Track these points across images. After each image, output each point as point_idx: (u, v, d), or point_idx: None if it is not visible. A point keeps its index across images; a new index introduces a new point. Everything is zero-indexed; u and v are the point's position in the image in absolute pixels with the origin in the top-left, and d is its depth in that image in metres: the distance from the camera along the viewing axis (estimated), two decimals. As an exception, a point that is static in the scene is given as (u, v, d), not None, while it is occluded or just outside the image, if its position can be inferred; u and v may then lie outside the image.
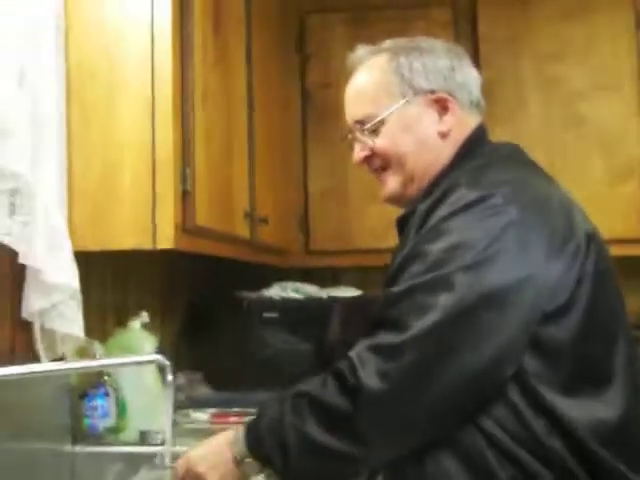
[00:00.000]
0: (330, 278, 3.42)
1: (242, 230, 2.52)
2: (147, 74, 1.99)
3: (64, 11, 1.98)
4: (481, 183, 1.45)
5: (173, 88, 1.99)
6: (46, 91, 1.90)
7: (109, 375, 2.20)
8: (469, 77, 1.66)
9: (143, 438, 2.18)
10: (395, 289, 1.42)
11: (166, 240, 1.97)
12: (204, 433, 1.92)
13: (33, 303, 1.91)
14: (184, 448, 1.60)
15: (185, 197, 2.04)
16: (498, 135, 1.71)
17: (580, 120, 3.20)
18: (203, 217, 2.14)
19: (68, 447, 2.14)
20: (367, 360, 1.37)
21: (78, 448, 2.15)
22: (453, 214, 1.41)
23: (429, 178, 1.60)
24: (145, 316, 2.38)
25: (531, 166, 1.60)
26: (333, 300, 3.09)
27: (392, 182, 1.65)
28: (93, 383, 2.18)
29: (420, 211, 1.50)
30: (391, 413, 1.37)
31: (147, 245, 1.98)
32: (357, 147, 1.68)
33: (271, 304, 3.05)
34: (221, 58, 2.36)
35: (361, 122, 1.65)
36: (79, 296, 1.96)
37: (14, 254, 1.84)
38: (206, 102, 2.19)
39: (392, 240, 1.62)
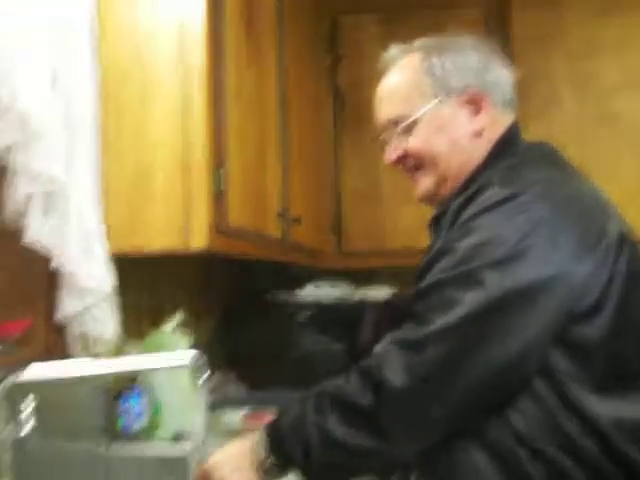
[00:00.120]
0: (363, 279, 3.40)
1: (275, 230, 2.51)
2: (180, 75, 1.99)
3: (97, 13, 1.99)
4: (514, 182, 1.44)
5: (206, 89, 1.99)
6: (79, 93, 1.91)
7: (143, 375, 2.20)
8: (501, 75, 1.64)
9: (177, 438, 2.18)
10: (423, 284, 1.42)
11: (200, 241, 1.97)
12: (237, 433, 1.91)
13: (67, 306, 1.93)
14: (216, 449, 1.59)
15: (219, 198, 2.03)
16: (531, 133, 1.69)
17: (613, 117, 3.17)
18: (236, 218, 2.14)
19: (103, 448, 2.15)
20: (390, 354, 1.37)
21: (113, 449, 2.15)
22: (483, 211, 1.41)
23: (463, 177, 1.59)
24: (180, 316, 2.38)
25: (565, 166, 1.58)
26: (365, 301, 3.09)
27: (425, 182, 1.65)
28: (127, 384, 2.19)
29: (452, 209, 1.50)
30: (414, 408, 1.36)
31: (181, 246, 1.98)
32: (390, 147, 1.68)
33: (304, 305, 3.06)
34: (254, 58, 2.36)
35: (394, 122, 1.64)
36: (112, 298, 1.96)
37: (49, 256, 1.86)
38: (239, 102, 2.19)
39: (425, 240, 1.62)
